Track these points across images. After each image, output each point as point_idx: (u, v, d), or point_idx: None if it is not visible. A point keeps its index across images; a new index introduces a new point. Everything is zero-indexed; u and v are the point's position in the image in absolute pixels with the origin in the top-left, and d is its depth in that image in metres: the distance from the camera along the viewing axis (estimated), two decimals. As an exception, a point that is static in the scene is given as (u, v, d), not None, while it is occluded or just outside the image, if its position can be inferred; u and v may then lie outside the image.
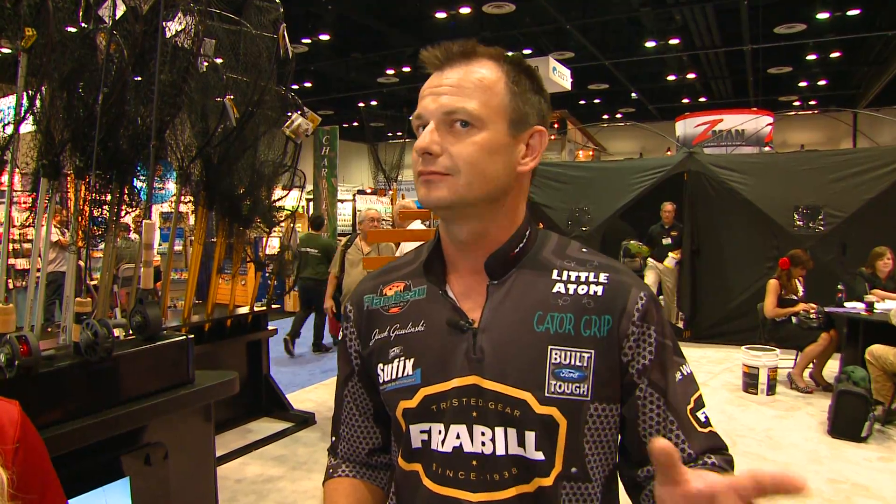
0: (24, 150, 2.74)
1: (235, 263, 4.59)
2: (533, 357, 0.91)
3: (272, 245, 5.81)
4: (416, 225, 4.93)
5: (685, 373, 0.97)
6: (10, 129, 2.46)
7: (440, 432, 0.93)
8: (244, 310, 4.90)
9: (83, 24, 2.62)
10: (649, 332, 0.93)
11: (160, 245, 8.28)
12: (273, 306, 5.17)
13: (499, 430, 0.91)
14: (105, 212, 2.89)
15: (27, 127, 2.63)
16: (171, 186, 4.12)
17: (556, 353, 0.91)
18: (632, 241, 7.91)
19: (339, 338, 1.11)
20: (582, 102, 19.21)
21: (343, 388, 1.10)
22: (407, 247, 4.96)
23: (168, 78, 2.91)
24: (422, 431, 0.95)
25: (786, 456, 4.24)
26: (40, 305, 2.47)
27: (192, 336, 2.02)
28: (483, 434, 0.91)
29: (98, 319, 1.64)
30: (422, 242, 1.10)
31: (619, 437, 0.97)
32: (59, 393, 1.68)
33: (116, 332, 1.98)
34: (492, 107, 0.90)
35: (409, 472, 0.97)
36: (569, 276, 0.95)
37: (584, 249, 1.01)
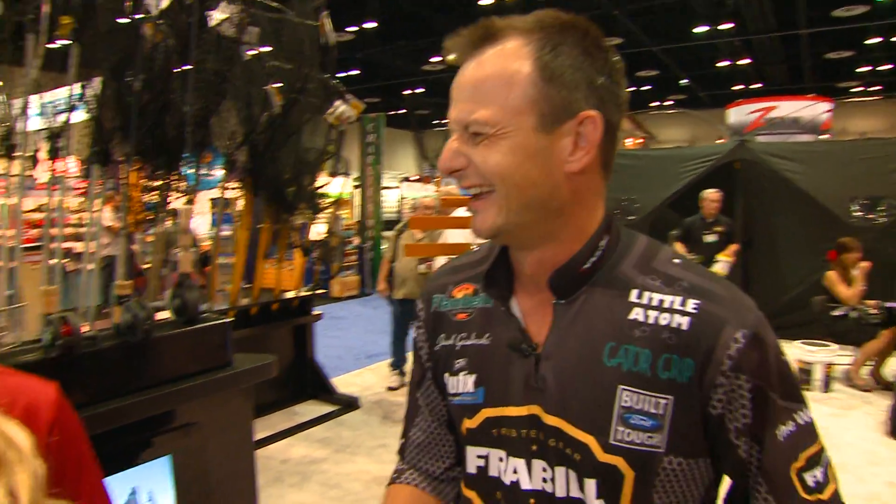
0: (77, 137, 2.84)
1: (281, 248, 4.65)
2: (599, 396, 0.78)
3: (319, 231, 5.89)
4: (461, 212, 4.93)
5: (799, 422, 0.79)
6: (63, 118, 2.54)
7: (501, 460, 0.85)
8: (290, 294, 4.98)
9: (131, 16, 2.67)
10: (744, 384, 0.76)
11: (210, 229, 8.49)
12: (318, 291, 5.24)
13: (559, 470, 0.81)
14: (154, 197, 2.97)
15: (80, 116, 2.71)
16: (220, 173, 4.21)
17: (627, 395, 0.77)
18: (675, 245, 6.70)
19: (413, 337, 1.03)
20: (631, 89, 18.81)
21: (417, 390, 1.02)
22: (451, 234, 4.99)
23: (213, 66, 2.97)
24: (479, 456, 0.87)
25: (842, 456, 4.09)
26: (94, 288, 2.55)
27: (231, 319, 2.05)
28: (544, 470, 0.82)
29: (137, 301, 1.68)
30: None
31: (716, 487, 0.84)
32: (100, 372, 1.71)
33: (160, 314, 2.03)
34: (512, 106, 0.75)
35: (466, 499, 0.90)
36: (650, 300, 0.79)
37: (675, 260, 0.83)
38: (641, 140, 16.33)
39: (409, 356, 6.02)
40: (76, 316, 1.54)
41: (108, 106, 2.79)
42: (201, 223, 8.70)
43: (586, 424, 0.79)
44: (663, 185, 7.57)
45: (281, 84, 3.83)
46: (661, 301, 0.79)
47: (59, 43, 2.66)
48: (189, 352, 1.90)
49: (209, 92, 2.95)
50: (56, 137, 2.72)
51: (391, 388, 5.83)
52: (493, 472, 0.86)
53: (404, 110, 19.39)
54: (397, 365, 5.97)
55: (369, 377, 6.23)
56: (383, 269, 5.89)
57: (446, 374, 0.92)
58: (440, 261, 5.26)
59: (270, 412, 4.90)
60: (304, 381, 5.29)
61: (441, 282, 0.98)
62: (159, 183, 2.97)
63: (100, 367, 1.66)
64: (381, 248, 10.90)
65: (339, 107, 4.02)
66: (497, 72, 0.76)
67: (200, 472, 1.83)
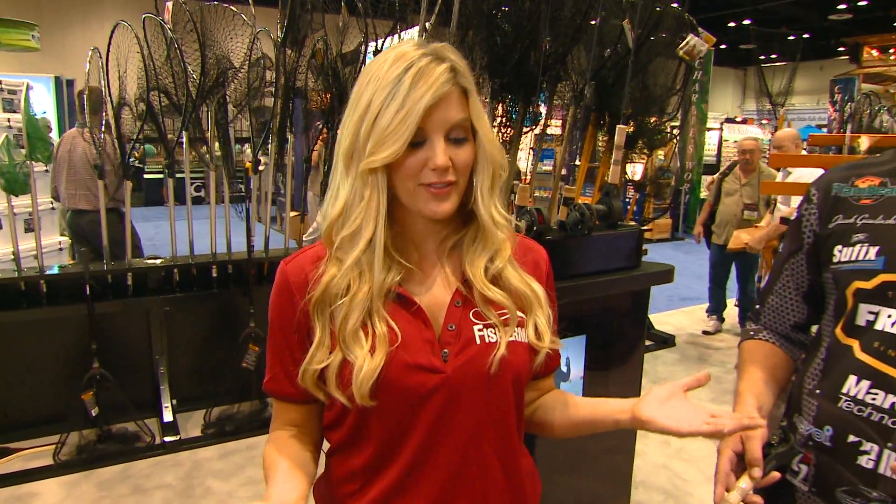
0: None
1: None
2: None
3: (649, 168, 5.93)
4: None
5: None
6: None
7: (889, 316, 0.97)
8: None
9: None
10: None
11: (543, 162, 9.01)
12: (644, 228, 5.31)
13: None
14: (509, 132, 3.35)
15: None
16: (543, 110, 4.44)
17: None
18: None
19: (793, 218, 1.18)
20: None
21: (784, 262, 1.18)
22: (800, 173, 4.69)
23: (570, 12, 3.21)
24: (870, 312, 0.99)
25: None
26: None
27: (645, 229, 2.33)
28: None
29: (584, 203, 2.01)
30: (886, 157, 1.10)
31: None
32: (553, 257, 2.03)
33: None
34: None
35: (844, 345, 1.02)
36: None
37: None
38: None
39: (729, 302, 5.84)
40: (546, 209, 1.90)
41: (479, 47, 3.20)
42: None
43: None
44: None
45: (632, 21, 3.87)
46: None
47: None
48: (611, 251, 2.21)
49: (568, 32, 3.21)
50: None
51: (706, 333, 5.75)
52: (879, 326, 0.98)
53: (724, 46, 17.83)
54: (714, 311, 5.84)
55: (682, 319, 6.21)
56: (703, 212, 5.75)
57: (838, 246, 1.05)
58: (766, 213, 4.94)
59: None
60: (620, 313, 5.48)
61: (842, 174, 1.11)
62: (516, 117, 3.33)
63: (553, 253, 2.00)
64: (699, 191, 10.45)
65: (691, 40, 3.92)
66: None
67: (604, 355, 2.15)
